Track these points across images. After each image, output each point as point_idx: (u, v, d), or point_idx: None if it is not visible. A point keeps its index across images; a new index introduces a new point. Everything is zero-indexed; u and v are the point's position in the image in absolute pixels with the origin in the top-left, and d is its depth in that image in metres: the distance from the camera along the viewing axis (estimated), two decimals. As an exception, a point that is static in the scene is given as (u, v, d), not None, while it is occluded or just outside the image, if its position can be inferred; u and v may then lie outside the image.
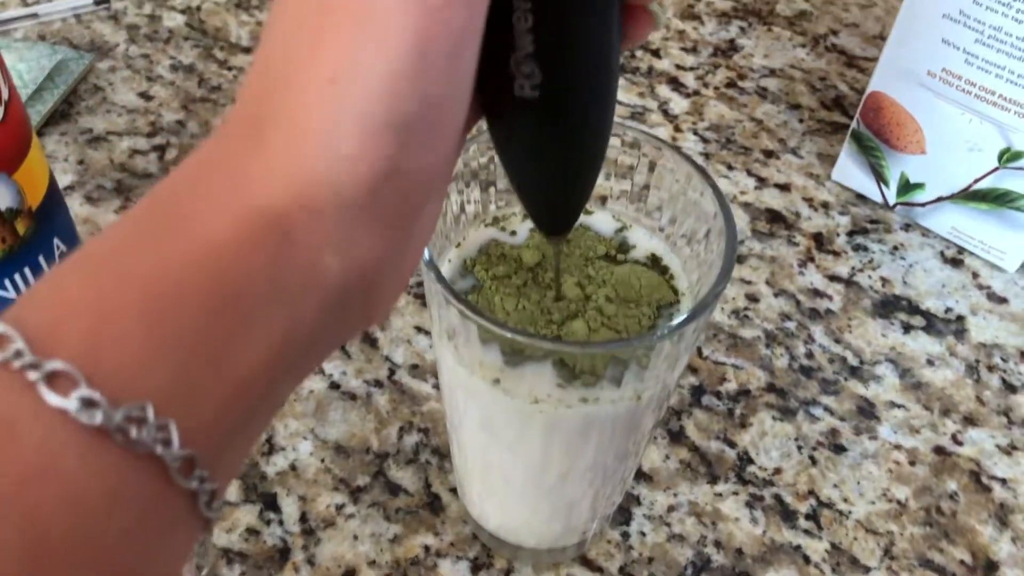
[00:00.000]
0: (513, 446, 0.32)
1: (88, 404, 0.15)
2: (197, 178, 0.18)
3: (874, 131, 0.50)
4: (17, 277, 0.36)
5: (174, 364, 0.16)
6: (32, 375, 0.15)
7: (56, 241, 0.38)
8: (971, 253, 0.50)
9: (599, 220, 0.34)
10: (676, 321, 0.26)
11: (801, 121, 0.57)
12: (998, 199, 0.47)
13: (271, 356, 0.17)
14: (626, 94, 0.58)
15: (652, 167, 0.32)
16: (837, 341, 0.46)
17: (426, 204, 0.20)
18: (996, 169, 0.46)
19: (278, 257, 0.17)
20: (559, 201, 0.25)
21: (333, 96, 0.17)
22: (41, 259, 0.37)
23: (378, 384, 0.43)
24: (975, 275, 0.49)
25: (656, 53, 0.61)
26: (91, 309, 0.16)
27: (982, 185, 0.47)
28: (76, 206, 0.50)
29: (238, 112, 0.18)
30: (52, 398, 0.15)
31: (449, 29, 0.17)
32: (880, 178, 0.51)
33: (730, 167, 0.54)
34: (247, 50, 0.59)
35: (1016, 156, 0.45)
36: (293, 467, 0.40)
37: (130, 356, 0.15)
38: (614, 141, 0.32)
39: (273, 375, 0.18)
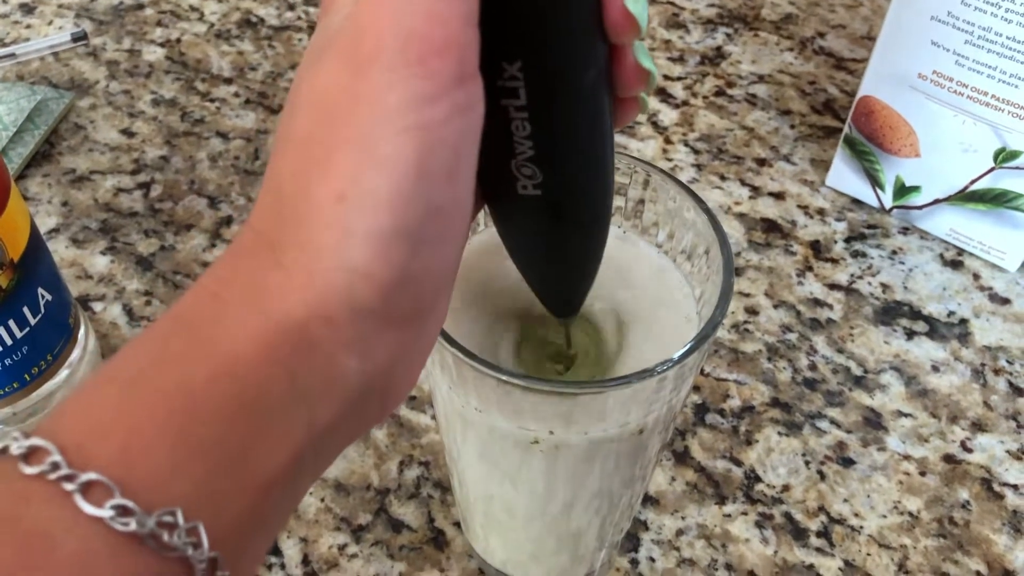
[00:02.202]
0: (514, 477, 0.31)
1: (123, 512, 0.16)
2: (216, 295, 0.19)
3: (866, 135, 0.49)
4: (1, 330, 0.36)
5: (199, 472, 0.17)
6: (68, 486, 0.16)
7: (40, 291, 0.37)
8: (971, 254, 0.49)
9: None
10: (678, 353, 0.25)
11: (792, 127, 0.56)
12: (996, 199, 0.46)
13: (292, 457, 0.18)
14: (614, 107, 0.57)
15: (646, 184, 0.32)
16: (840, 351, 0.45)
17: (437, 303, 0.21)
18: (992, 169, 0.45)
19: (297, 365, 0.18)
20: (564, 287, 0.26)
21: (343, 214, 0.18)
22: (26, 310, 0.36)
23: (376, 418, 0.42)
24: (976, 276, 0.49)
25: (642, 64, 0.60)
26: (122, 424, 0.17)
27: (979, 186, 0.46)
28: (62, 249, 0.49)
29: (253, 228, 0.19)
30: (88, 507, 0.16)
31: (446, 147, 0.18)
32: (875, 182, 0.50)
33: (723, 177, 0.53)
34: (228, 80, 0.59)
35: (1012, 156, 0.44)
36: (306, 490, 0.39)
37: (159, 466, 0.17)
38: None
39: (294, 474, 0.19)
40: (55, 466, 0.16)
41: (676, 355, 0.25)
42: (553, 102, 0.21)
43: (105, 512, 0.16)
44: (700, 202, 0.29)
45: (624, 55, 0.21)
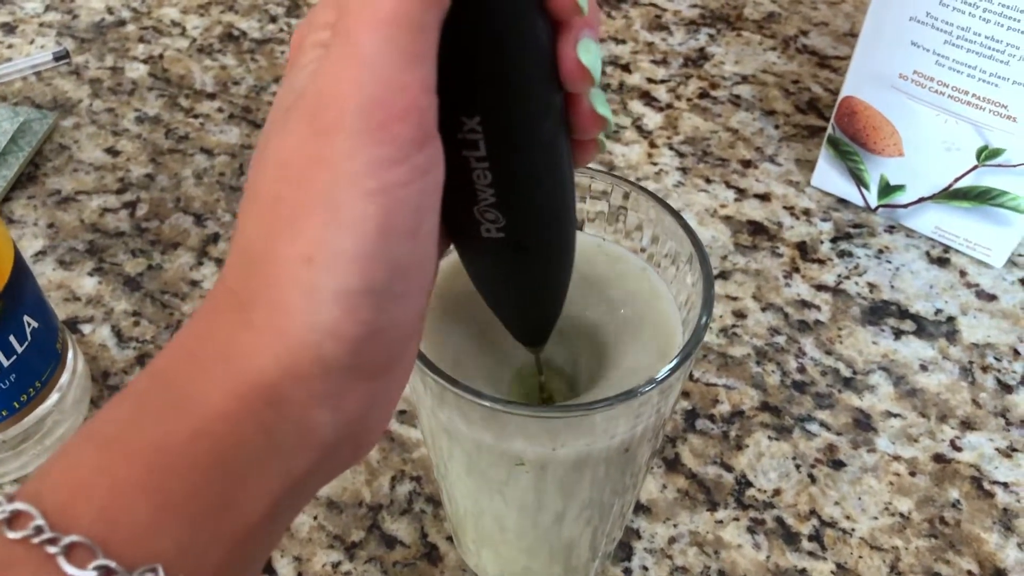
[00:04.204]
0: (503, 490, 0.31)
1: (106, 572, 0.16)
2: (191, 354, 0.19)
3: (850, 136, 0.49)
4: (-12, 360, 0.36)
5: (179, 526, 0.17)
6: (52, 549, 0.16)
7: (26, 318, 0.37)
8: (957, 251, 0.50)
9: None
10: (661, 373, 0.26)
11: (777, 127, 0.56)
12: (980, 196, 0.46)
13: (269, 506, 0.19)
14: (598, 112, 0.57)
15: (626, 196, 0.32)
16: (828, 353, 0.45)
17: (405, 352, 0.21)
18: (975, 167, 0.46)
19: (272, 421, 0.19)
20: (531, 320, 0.27)
21: (310, 275, 0.19)
22: (12, 339, 0.36)
23: (367, 434, 0.42)
24: (963, 273, 0.49)
25: (626, 68, 0.60)
26: (102, 485, 0.17)
27: (963, 184, 0.47)
28: (49, 271, 0.49)
29: (226, 285, 0.20)
30: (71, 569, 0.16)
31: (408, 207, 0.19)
32: (860, 182, 0.50)
33: (708, 180, 0.53)
34: (212, 96, 0.59)
35: (994, 154, 0.44)
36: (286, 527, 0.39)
37: (139, 524, 0.17)
38: (582, 181, 0.31)
39: (271, 520, 0.19)
40: (39, 530, 0.16)
41: (659, 375, 0.25)
42: (512, 152, 0.21)
43: (88, 573, 0.16)
44: (680, 219, 0.29)
45: (580, 102, 0.22)
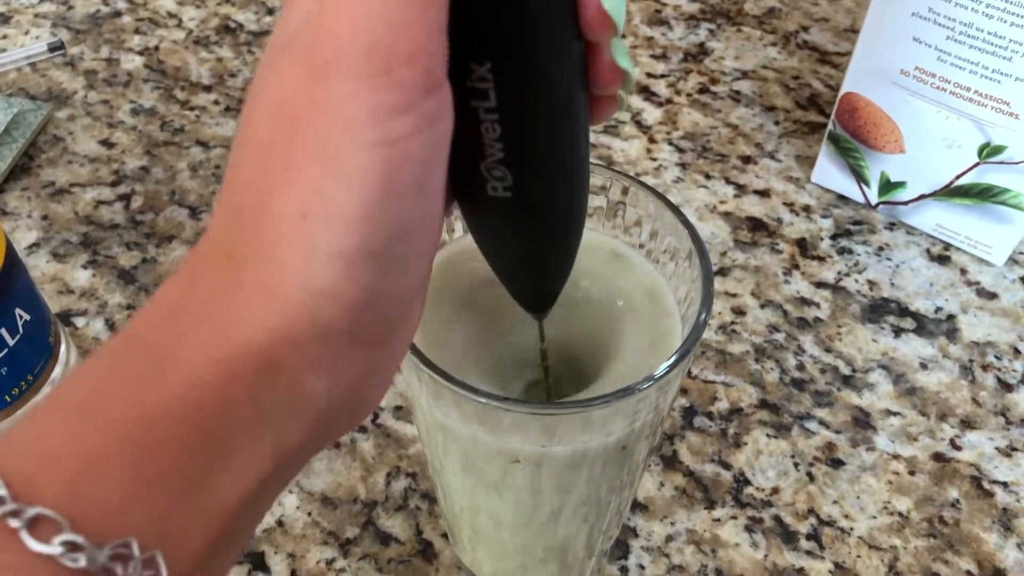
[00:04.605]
0: (499, 487, 0.31)
1: (72, 548, 0.15)
2: (173, 315, 0.18)
3: (851, 132, 0.49)
4: (-21, 353, 0.35)
5: (156, 501, 0.16)
6: (14, 522, 0.15)
7: (18, 311, 0.37)
8: (958, 249, 0.49)
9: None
10: (659, 370, 0.25)
11: (777, 123, 0.56)
12: (981, 194, 0.46)
13: (257, 480, 0.18)
14: (598, 107, 0.57)
15: (625, 191, 0.31)
16: (827, 350, 0.45)
17: (408, 319, 0.20)
18: (977, 164, 0.45)
19: (261, 389, 0.17)
20: (537, 285, 0.25)
21: (305, 232, 0.17)
22: (3, 332, 0.36)
23: (362, 429, 0.42)
24: (963, 271, 0.48)
25: (625, 62, 0.60)
26: (72, 456, 0.16)
27: (964, 181, 0.46)
28: (43, 263, 0.48)
29: (211, 242, 0.18)
30: (35, 544, 0.15)
31: (415, 161, 0.17)
32: (860, 178, 0.50)
33: (708, 176, 0.53)
34: (208, 88, 0.58)
35: (996, 151, 0.44)
36: (280, 523, 0.39)
37: (111, 497, 0.16)
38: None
39: (259, 495, 0.18)
40: (0, 501, 0.15)
41: (657, 372, 0.25)
42: (524, 104, 0.20)
43: (54, 549, 0.15)
44: (680, 214, 0.29)
45: (600, 54, 0.20)
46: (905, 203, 0.49)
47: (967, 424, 0.42)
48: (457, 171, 0.20)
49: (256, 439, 0.17)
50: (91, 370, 0.17)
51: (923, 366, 0.44)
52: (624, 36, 0.62)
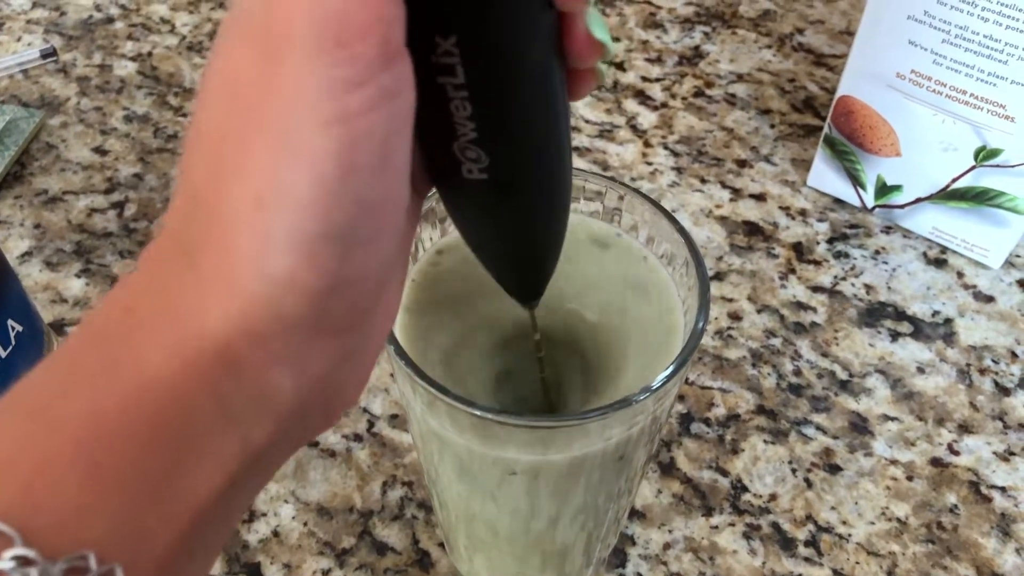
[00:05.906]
0: (495, 495, 0.30)
1: (24, 562, 0.14)
2: (129, 309, 0.17)
3: (846, 135, 0.49)
4: (-30, 365, 0.35)
5: (115, 508, 0.15)
6: None
7: (10, 322, 0.36)
8: (954, 252, 0.49)
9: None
10: (656, 381, 0.25)
11: (772, 127, 0.56)
12: (977, 197, 0.46)
13: (223, 484, 0.17)
14: (593, 111, 0.57)
15: (621, 198, 0.31)
16: (824, 355, 0.45)
17: (378, 303, 0.19)
18: (973, 168, 0.45)
19: (223, 385, 0.17)
20: (522, 272, 0.24)
21: (261, 219, 0.16)
22: (-5, 343, 0.36)
23: (358, 438, 0.42)
24: (960, 274, 0.48)
25: (620, 66, 0.60)
26: (25, 460, 0.15)
27: (960, 184, 0.46)
28: (35, 272, 0.48)
29: (168, 234, 0.18)
30: None
31: (374, 138, 0.16)
32: (856, 182, 0.50)
33: (703, 180, 0.53)
34: (202, 94, 0.58)
35: (992, 154, 0.44)
36: (276, 533, 0.39)
37: (67, 506, 0.15)
38: (575, 183, 0.31)
39: (227, 500, 0.17)
40: None
41: (654, 383, 0.25)
42: (494, 80, 0.19)
43: (4, 564, 0.14)
44: (676, 223, 0.28)
45: (574, 24, 0.19)
46: (901, 206, 0.49)
47: (965, 429, 0.42)
48: (430, 154, 0.20)
49: (221, 439, 0.17)
50: (46, 371, 0.17)
51: (920, 370, 0.44)
52: (618, 39, 0.61)
